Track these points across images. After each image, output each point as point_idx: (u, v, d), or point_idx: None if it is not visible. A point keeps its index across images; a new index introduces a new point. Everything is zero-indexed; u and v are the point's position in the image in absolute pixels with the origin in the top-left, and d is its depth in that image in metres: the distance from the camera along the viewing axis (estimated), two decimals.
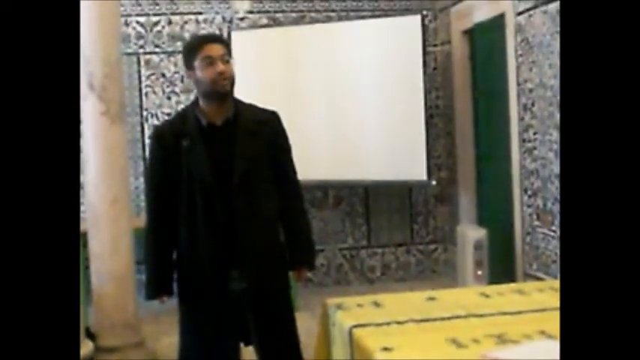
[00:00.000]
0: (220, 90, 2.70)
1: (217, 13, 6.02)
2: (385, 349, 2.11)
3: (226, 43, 2.80)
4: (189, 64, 2.76)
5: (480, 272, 5.25)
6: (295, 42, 5.77)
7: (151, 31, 5.95)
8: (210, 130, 2.74)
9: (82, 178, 4.02)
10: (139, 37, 5.92)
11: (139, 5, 5.91)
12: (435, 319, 2.40)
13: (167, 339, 4.36)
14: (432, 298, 2.71)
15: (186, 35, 5.95)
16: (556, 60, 4.28)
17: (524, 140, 4.77)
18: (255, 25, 6.00)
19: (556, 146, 4.33)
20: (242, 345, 2.88)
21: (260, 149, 2.76)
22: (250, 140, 2.74)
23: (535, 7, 4.53)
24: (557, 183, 4.35)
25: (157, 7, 5.95)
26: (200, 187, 2.70)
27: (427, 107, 5.49)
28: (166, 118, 5.94)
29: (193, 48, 2.76)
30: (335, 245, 6.09)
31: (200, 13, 6.00)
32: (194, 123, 2.74)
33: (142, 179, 5.93)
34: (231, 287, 2.73)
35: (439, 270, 6.34)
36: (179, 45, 5.94)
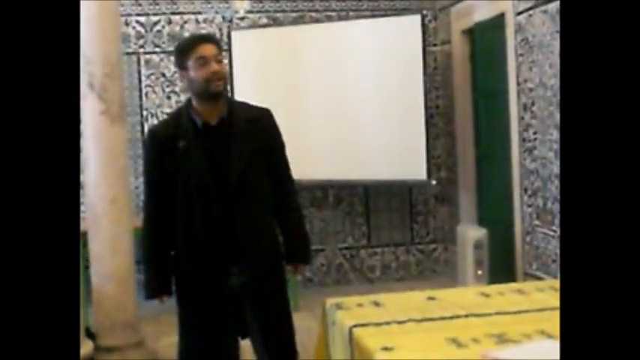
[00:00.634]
0: (214, 90, 2.71)
1: (217, 12, 6.02)
2: (385, 348, 2.11)
3: (219, 43, 2.80)
4: (182, 64, 2.76)
5: (480, 272, 5.25)
6: (295, 42, 5.77)
7: (151, 30, 5.95)
8: (206, 130, 2.75)
9: (82, 178, 4.03)
10: (139, 36, 5.93)
11: (139, 5, 5.91)
12: (435, 319, 2.40)
13: (167, 339, 4.36)
14: (432, 298, 2.71)
15: (186, 35, 5.94)
16: (556, 60, 4.28)
17: (524, 140, 4.77)
18: (255, 25, 6.00)
19: (556, 146, 4.33)
20: (239, 339, 2.89)
21: (255, 147, 2.77)
22: (245, 138, 2.76)
23: (535, 6, 4.53)
24: (557, 183, 4.35)
25: (157, 7, 5.95)
26: (197, 187, 2.72)
27: (427, 107, 5.49)
28: (165, 117, 5.94)
29: (186, 48, 2.76)
30: (335, 245, 6.09)
31: (200, 13, 6.00)
32: (189, 123, 2.75)
33: (142, 179, 5.93)
34: (229, 283, 2.75)
35: (439, 270, 6.35)
36: None
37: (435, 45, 6.24)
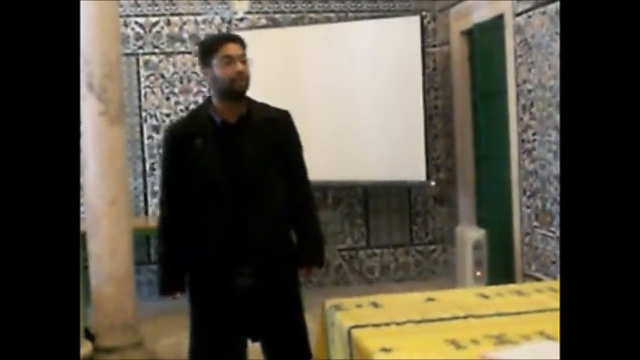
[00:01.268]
0: (238, 89, 2.72)
1: (216, 13, 6.02)
2: (384, 349, 2.11)
3: (244, 43, 2.80)
4: (206, 62, 2.76)
5: (478, 273, 5.25)
6: (294, 43, 5.77)
7: (150, 31, 5.95)
8: (224, 129, 2.76)
9: (81, 179, 4.03)
10: (138, 37, 5.93)
11: (138, 6, 5.92)
12: (434, 320, 2.40)
13: (166, 339, 4.36)
14: (430, 299, 2.71)
15: (185, 36, 5.96)
16: (555, 61, 4.28)
17: (523, 141, 4.77)
18: (254, 26, 6.00)
19: (555, 147, 4.34)
20: (250, 340, 2.88)
21: (271, 148, 2.78)
22: (262, 139, 2.76)
23: (534, 7, 4.53)
24: (555, 184, 4.35)
25: (156, 8, 5.95)
26: (212, 185, 2.73)
27: (426, 108, 5.50)
28: (164, 118, 5.95)
29: (212, 46, 2.76)
30: (334, 246, 6.09)
31: (199, 14, 6.00)
32: (207, 121, 2.76)
33: (141, 180, 5.94)
34: (239, 283, 2.75)
35: (438, 271, 6.35)
36: (178, 46, 5.95)
37: (434, 46, 6.24)
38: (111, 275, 4.09)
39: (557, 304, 2.41)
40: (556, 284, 2.83)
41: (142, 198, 5.95)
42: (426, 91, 5.50)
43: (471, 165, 5.84)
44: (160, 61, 5.96)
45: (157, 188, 5.93)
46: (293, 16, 6.10)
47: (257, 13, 6.06)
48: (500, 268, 5.13)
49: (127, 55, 5.75)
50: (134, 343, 4.15)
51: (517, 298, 2.66)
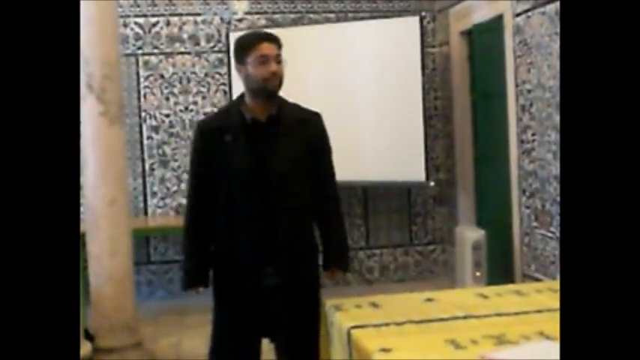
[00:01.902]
0: (270, 89, 2.74)
1: (216, 14, 6.02)
2: (383, 350, 2.11)
3: (280, 43, 2.79)
4: (241, 59, 2.77)
5: (478, 273, 5.25)
6: (293, 43, 5.72)
7: (150, 32, 5.95)
8: (254, 127, 2.76)
9: (80, 179, 4.03)
10: (138, 38, 5.93)
11: (138, 6, 5.92)
12: (433, 320, 2.40)
13: (165, 340, 4.36)
14: (430, 299, 2.71)
15: (185, 36, 5.96)
16: (554, 61, 4.28)
17: (522, 141, 4.77)
18: (253, 26, 5.99)
19: (554, 147, 4.34)
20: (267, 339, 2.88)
21: (300, 148, 2.78)
22: (291, 139, 2.77)
23: (533, 8, 4.53)
24: (555, 184, 4.36)
25: (156, 8, 5.95)
26: (239, 183, 2.73)
27: (426, 108, 5.50)
28: (164, 118, 5.95)
29: (249, 44, 2.76)
30: None
31: (198, 14, 6.00)
32: (238, 118, 2.77)
33: (140, 180, 5.94)
34: (263, 282, 2.75)
35: (438, 271, 6.35)
36: (177, 46, 5.95)
37: (433, 46, 6.24)
38: (110, 276, 4.09)
39: (556, 304, 2.41)
40: (555, 284, 2.83)
41: (141, 198, 5.95)
42: (425, 92, 5.50)
43: (470, 165, 5.85)
44: (160, 61, 5.96)
45: (156, 189, 5.95)
46: (292, 16, 6.11)
47: (256, 13, 6.06)
48: (500, 268, 5.13)
49: (126, 55, 5.75)
50: (133, 344, 4.16)
51: (517, 299, 2.66)
